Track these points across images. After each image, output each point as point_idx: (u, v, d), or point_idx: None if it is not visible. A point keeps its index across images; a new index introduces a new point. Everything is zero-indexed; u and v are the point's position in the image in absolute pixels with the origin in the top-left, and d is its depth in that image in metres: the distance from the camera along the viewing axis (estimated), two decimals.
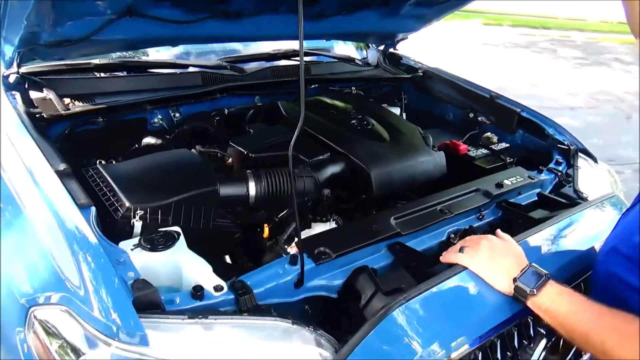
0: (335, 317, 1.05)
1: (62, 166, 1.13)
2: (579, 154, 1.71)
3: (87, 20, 1.38)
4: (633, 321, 0.82)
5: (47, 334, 0.87)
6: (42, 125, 1.36)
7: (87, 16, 1.36)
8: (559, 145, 1.73)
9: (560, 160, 1.68)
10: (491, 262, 1.03)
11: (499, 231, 1.14)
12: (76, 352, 0.83)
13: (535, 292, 0.95)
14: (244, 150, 1.46)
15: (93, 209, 1.03)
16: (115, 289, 0.87)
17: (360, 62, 2.34)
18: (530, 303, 0.96)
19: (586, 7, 13.46)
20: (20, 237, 1.04)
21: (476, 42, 9.67)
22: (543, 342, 1.07)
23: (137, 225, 1.10)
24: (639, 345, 0.79)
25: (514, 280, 0.98)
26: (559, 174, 1.62)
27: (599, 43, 10.65)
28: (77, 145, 1.45)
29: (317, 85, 2.05)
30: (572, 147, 1.70)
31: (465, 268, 1.05)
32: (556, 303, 0.93)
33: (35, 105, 1.45)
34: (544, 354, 1.06)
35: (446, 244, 1.28)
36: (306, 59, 2.22)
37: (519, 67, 7.86)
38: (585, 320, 0.89)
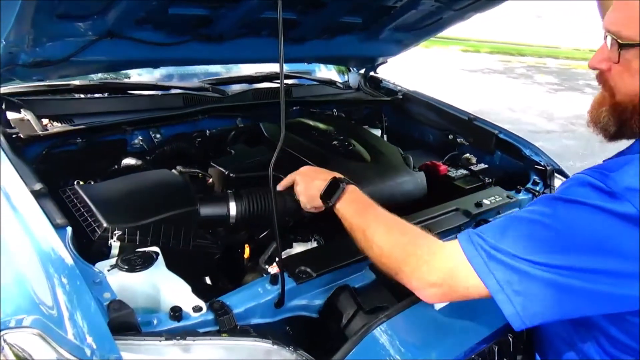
0: (317, 337, 1.04)
1: (37, 186, 1.11)
2: (555, 174, 1.75)
3: (67, 41, 1.38)
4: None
5: (17, 358, 0.84)
6: (18, 146, 1.34)
7: (68, 37, 1.36)
8: (535, 166, 1.77)
9: (537, 181, 1.72)
10: (308, 189, 1.18)
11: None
12: None
13: (333, 203, 1.09)
14: (224, 171, 1.45)
15: (69, 229, 1.01)
16: (90, 312, 0.84)
17: (341, 85, 2.38)
18: (335, 211, 1.10)
19: (559, 36, 13.96)
20: None
21: (455, 68, 9.91)
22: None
23: (115, 245, 1.08)
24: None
25: (320, 197, 1.12)
26: (537, 193, 1.65)
27: (572, 69, 11.02)
28: (54, 166, 1.43)
29: (298, 107, 2.07)
30: (548, 168, 1.74)
31: None
32: (346, 208, 1.07)
33: (13, 125, 1.43)
34: None
35: None
36: (288, 81, 2.25)
37: (497, 92, 8.06)
38: (364, 218, 1.03)
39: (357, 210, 1.05)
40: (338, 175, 1.15)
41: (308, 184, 1.19)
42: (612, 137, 0.92)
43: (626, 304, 0.77)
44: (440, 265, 0.88)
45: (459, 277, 0.85)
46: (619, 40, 0.83)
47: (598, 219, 0.76)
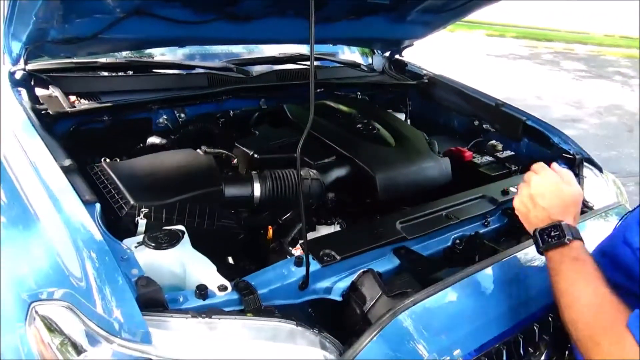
0: (340, 320, 1.04)
1: (67, 162, 1.13)
2: (584, 163, 1.70)
3: (96, 18, 1.38)
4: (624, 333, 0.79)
5: (48, 329, 0.86)
6: (47, 122, 1.36)
7: (96, 14, 1.37)
8: (564, 155, 1.73)
9: None
10: (532, 204, 1.01)
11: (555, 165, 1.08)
12: (77, 348, 0.82)
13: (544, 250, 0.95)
14: (249, 151, 1.45)
15: (98, 205, 1.02)
16: (119, 286, 0.86)
17: (365, 68, 2.35)
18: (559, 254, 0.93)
19: (590, 21, 13.53)
20: (25, 233, 1.03)
21: (480, 53, 9.70)
22: (548, 350, 1.06)
23: (142, 223, 1.10)
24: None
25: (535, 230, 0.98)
26: None
27: (602, 56, 10.69)
28: (81, 143, 1.44)
29: (322, 89, 2.05)
30: (577, 157, 1.69)
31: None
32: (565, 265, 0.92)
33: (41, 102, 1.45)
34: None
35: (451, 250, 1.27)
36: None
37: (522, 79, 7.88)
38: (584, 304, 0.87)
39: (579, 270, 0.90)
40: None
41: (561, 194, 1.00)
42: None
43: None
44: None
45: None
46: None
47: None
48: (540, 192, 1.00)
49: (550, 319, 1.05)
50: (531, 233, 0.99)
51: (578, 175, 1.65)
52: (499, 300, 1.01)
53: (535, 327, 1.04)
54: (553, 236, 0.95)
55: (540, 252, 0.97)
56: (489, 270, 1.09)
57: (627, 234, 0.88)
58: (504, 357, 0.99)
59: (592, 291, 0.86)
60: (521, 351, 1.02)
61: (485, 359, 0.96)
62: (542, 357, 1.04)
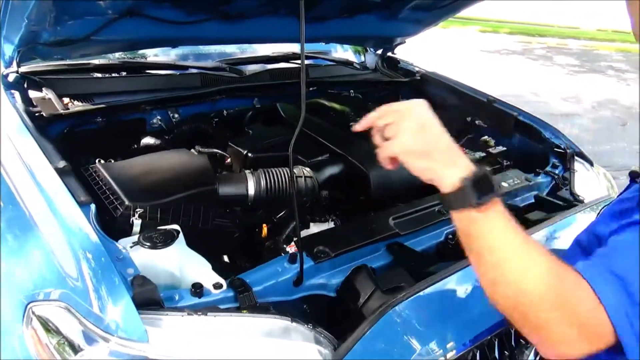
0: (334, 316, 1.05)
1: (61, 164, 1.13)
2: (576, 157, 1.72)
3: (88, 20, 1.39)
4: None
5: (46, 330, 0.87)
6: (41, 124, 1.36)
7: (88, 15, 1.37)
8: (555, 149, 1.74)
9: (557, 164, 1.69)
10: (434, 143, 0.76)
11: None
12: (74, 348, 0.83)
13: (481, 202, 0.70)
14: (242, 150, 1.46)
15: (93, 206, 1.03)
16: (115, 286, 0.87)
17: (358, 66, 2.36)
18: (469, 214, 0.72)
19: (583, 16, 13.57)
20: (21, 234, 1.04)
21: (473, 49, 9.73)
22: None
23: (137, 223, 1.10)
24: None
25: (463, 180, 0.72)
26: (556, 177, 1.63)
27: (595, 51, 10.74)
28: (76, 144, 1.45)
29: (315, 87, 2.06)
30: (568, 151, 1.71)
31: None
32: (496, 220, 0.71)
33: (35, 104, 1.45)
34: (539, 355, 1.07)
35: (444, 245, 1.28)
36: (305, 61, 2.23)
37: (517, 74, 7.90)
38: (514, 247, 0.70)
39: (508, 229, 0.71)
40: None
41: (426, 134, 0.76)
42: None
43: None
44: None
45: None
46: None
47: None
48: (424, 119, 0.77)
49: None
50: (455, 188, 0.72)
51: (570, 169, 1.67)
52: None
53: None
54: (485, 187, 0.72)
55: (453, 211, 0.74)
56: None
57: (596, 226, 0.82)
58: (496, 349, 1.01)
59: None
60: (512, 343, 1.04)
61: (477, 351, 0.98)
62: (533, 350, 1.06)
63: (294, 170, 1.36)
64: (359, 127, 0.87)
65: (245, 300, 0.94)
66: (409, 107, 0.80)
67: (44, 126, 1.38)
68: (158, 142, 1.58)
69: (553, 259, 0.69)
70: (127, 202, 1.11)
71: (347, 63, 2.33)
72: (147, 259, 1.00)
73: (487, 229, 0.72)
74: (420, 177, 0.77)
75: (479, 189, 0.71)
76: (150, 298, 0.87)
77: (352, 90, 2.15)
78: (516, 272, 0.69)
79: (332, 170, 1.47)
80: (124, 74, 1.78)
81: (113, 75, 1.77)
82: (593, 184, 1.66)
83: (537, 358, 1.08)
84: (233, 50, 2.25)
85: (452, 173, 0.73)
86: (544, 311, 0.67)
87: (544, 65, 8.98)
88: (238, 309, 0.93)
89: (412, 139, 0.76)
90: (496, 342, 1.01)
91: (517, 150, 1.86)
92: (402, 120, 0.78)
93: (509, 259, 0.70)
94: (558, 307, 0.66)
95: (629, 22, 0.78)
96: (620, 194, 0.84)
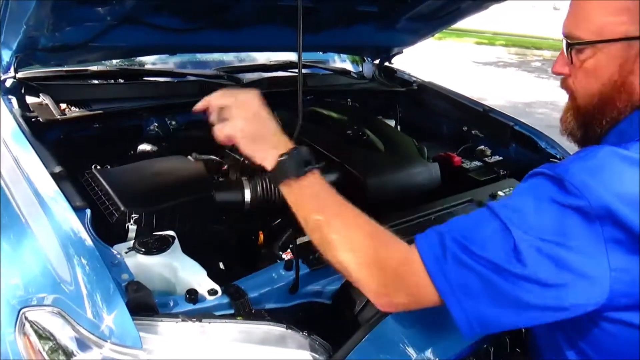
0: (330, 323, 1.05)
1: (57, 169, 1.13)
2: None
3: (86, 26, 1.39)
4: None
5: (38, 335, 0.86)
6: (38, 130, 1.36)
7: (87, 22, 1.37)
8: (551, 159, 1.75)
9: None
10: (257, 126, 0.89)
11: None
12: (67, 354, 0.82)
13: (298, 174, 0.83)
14: (239, 158, 1.46)
15: (88, 211, 1.03)
16: (109, 292, 0.86)
17: (355, 75, 2.37)
18: (289, 186, 0.84)
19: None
20: (15, 239, 1.03)
21: (469, 61, 9.81)
22: None
23: (132, 229, 1.10)
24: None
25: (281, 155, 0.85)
26: None
27: None
28: (72, 150, 1.44)
29: (312, 96, 2.07)
30: None
31: None
32: (309, 188, 0.84)
33: (32, 110, 1.45)
34: None
35: None
36: (303, 70, 2.24)
37: (509, 86, 7.97)
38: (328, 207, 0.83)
39: (324, 194, 0.85)
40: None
41: (257, 121, 0.90)
42: (579, 142, 0.89)
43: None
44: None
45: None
46: (570, 41, 0.81)
47: None
48: (243, 102, 0.91)
49: None
50: (268, 154, 0.86)
51: None
52: None
53: (522, 329, 1.05)
54: (302, 161, 0.85)
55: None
56: None
57: None
58: (491, 358, 1.01)
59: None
60: (508, 351, 1.03)
61: (473, 359, 0.97)
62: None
63: None
64: (199, 106, 0.99)
65: (240, 307, 0.93)
66: (245, 97, 0.92)
67: (41, 131, 1.37)
68: (155, 148, 1.57)
69: (367, 220, 0.81)
70: (122, 208, 1.11)
71: (345, 72, 2.35)
72: (142, 265, 1.00)
73: (307, 195, 0.84)
74: (253, 159, 0.89)
75: (297, 162, 0.84)
76: (144, 304, 0.87)
77: (349, 99, 2.16)
78: (333, 232, 0.80)
79: (328, 178, 1.46)
80: (121, 80, 1.79)
81: (110, 81, 1.77)
82: None
83: None
84: (231, 58, 2.26)
85: (275, 152, 0.86)
86: (359, 265, 0.77)
87: (540, 78, 9.06)
88: (233, 316, 0.93)
89: (246, 125, 0.89)
90: (492, 351, 1.00)
91: (514, 160, 1.87)
92: (237, 107, 0.90)
93: (327, 222, 0.81)
94: (370, 263, 0.77)
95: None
96: None
